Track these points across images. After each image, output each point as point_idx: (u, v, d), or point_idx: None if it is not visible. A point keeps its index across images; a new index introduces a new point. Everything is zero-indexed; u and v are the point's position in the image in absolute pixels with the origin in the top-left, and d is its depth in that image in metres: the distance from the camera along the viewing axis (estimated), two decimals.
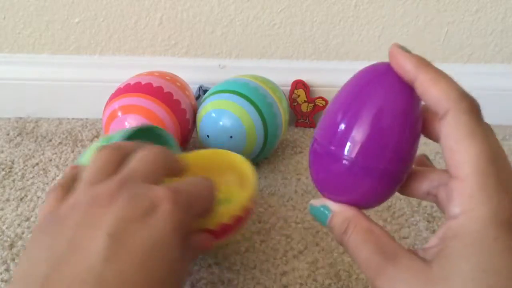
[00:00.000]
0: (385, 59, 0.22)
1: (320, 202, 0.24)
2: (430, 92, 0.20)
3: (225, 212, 0.33)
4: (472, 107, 0.20)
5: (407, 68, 0.20)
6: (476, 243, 0.18)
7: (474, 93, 0.21)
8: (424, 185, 0.24)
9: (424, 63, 0.20)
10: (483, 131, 0.19)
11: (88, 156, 0.39)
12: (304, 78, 0.62)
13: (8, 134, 0.60)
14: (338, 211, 0.23)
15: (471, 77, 0.62)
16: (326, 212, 0.24)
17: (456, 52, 0.62)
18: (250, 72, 0.57)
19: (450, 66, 0.62)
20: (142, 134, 0.39)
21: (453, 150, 0.19)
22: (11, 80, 0.61)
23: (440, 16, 0.59)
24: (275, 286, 0.39)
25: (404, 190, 0.25)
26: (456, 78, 0.21)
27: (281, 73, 0.61)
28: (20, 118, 0.63)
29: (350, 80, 0.24)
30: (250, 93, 0.50)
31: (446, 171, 0.23)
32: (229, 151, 0.41)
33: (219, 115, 0.49)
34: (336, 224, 0.23)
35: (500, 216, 0.18)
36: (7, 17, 0.58)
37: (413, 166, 0.24)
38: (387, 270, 0.20)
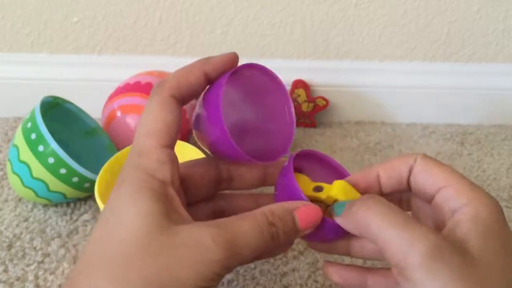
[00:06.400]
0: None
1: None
2: (396, 162, 0.26)
3: None
4: (427, 155, 0.25)
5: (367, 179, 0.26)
6: (493, 226, 0.21)
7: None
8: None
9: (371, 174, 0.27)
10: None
11: (19, 139, 0.43)
12: (305, 77, 0.61)
13: (6, 134, 0.60)
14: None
15: (472, 77, 0.62)
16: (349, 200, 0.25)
17: (457, 51, 0.61)
18: None
19: (451, 66, 0.62)
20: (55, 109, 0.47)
21: (434, 173, 0.24)
22: (9, 80, 0.61)
23: (441, 15, 0.58)
24: (275, 286, 0.39)
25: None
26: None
27: (281, 72, 0.60)
28: (19, 118, 0.63)
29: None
30: None
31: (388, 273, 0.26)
32: None
33: None
34: (356, 200, 0.24)
35: (499, 206, 0.22)
36: (6, 16, 0.58)
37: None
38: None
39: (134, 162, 0.23)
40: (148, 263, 0.19)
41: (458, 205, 0.22)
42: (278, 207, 0.23)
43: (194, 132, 0.27)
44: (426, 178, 0.24)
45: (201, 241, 0.20)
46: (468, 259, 0.20)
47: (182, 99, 0.25)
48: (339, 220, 0.24)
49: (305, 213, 0.23)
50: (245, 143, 0.26)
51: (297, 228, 0.23)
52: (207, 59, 0.25)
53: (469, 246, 0.20)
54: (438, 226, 0.23)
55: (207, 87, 0.26)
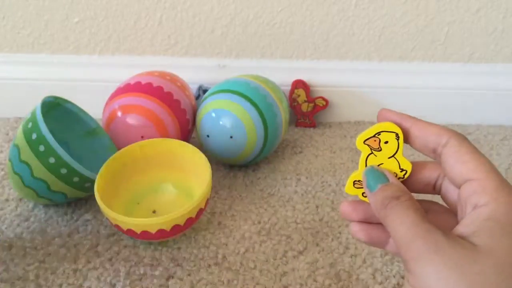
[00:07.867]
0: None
1: (382, 170, 0.27)
2: (430, 130, 0.25)
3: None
4: (463, 136, 0.25)
5: (400, 120, 0.27)
6: (506, 224, 0.21)
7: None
8: (426, 176, 0.27)
9: (410, 116, 0.27)
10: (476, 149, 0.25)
11: (19, 139, 0.43)
12: (304, 77, 0.61)
13: (7, 134, 0.60)
14: (396, 183, 0.26)
15: (471, 77, 0.62)
16: (384, 178, 0.26)
17: (457, 51, 0.61)
18: (250, 72, 0.56)
19: (450, 66, 0.62)
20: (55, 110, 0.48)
21: (465, 160, 0.23)
22: (10, 80, 0.61)
23: (440, 16, 0.59)
24: (275, 286, 0.39)
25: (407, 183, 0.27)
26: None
27: (281, 73, 0.61)
28: (19, 118, 0.63)
29: None
30: (250, 93, 0.50)
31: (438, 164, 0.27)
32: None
33: (219, 115, 0.49)
34: (389, 190, 0.25)
35: None
36: (7, 16, 0.58)
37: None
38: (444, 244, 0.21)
39: None
40: None
41: (479, 202, 0.22)
42: None
43: None
44: (455, 164, 0.24)
45: None
46: (470, 252, 0.20)
47: None
48: (369, 196, 0.26)
49: None
50: None
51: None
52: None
53: (476, 240, 0.21)
54: (461, 214, 0.24)
55: None
